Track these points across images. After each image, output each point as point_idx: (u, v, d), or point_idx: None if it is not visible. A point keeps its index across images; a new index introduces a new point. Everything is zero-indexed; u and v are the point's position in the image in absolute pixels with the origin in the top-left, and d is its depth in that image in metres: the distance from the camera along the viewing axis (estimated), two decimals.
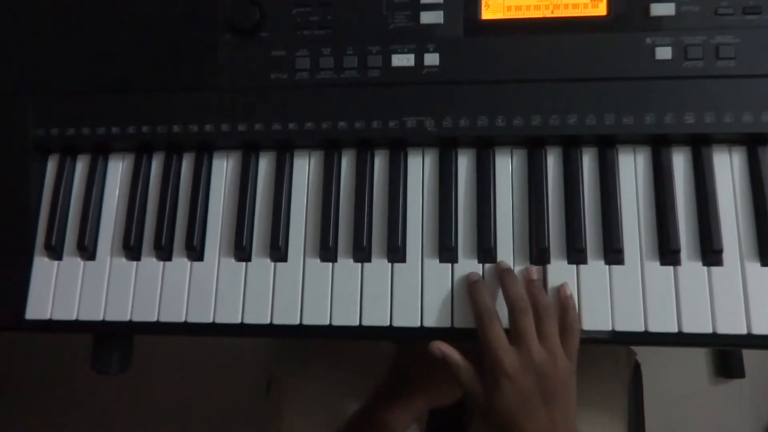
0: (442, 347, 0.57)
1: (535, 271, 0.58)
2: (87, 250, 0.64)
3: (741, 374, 1.29)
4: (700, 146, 0.59)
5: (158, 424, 1.38)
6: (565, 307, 0.56)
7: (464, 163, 0.62)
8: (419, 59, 0.61)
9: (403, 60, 0.61)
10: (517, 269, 0.59)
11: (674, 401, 1.28)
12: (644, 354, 0.83)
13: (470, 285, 0.58)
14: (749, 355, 1.27)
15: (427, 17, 0.62)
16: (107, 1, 0.66)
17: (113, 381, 0.69)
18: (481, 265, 0.59)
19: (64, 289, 0.63)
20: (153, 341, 0.68)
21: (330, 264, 0.61)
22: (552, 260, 0.59)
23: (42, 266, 0.64)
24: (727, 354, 1.29)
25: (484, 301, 0.56)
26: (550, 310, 0.55)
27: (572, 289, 0.58)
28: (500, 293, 0.57)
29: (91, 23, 0.66)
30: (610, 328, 0.57)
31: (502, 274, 0.57)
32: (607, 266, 0.58)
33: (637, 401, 0.82)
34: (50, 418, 1.42)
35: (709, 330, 0.56)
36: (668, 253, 0.57)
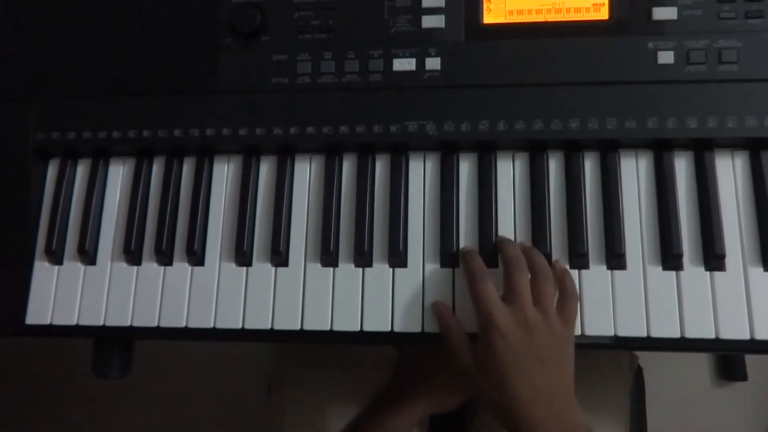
0: (441, 308, 0.57)
1: (529, 245, 0.58)
2: (87, 255, 0.64)
3: (743, 377, 1.29)
4: (702, 151, 0.59)
5: (159, 426, 1.38)
6: (562, 277, 0.56)
7: (466, 168, 0.62)
8: (421, 63, 0.61)
9: (404, 64, 0.61)
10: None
11: (676, 404, 1.28)
12: (646, 357, 0.83)
13: (463, 253, 0.58)
14: (751, 358, 1.27)
15: (429, 21, 0.62)
16: (108, 5, 0.66)
17: (114, 383, 0.69)
18: None
19: (64, 294, 0.63)
20: (154, 343, 0.68)
21: (331, 269, 0.61)
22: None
23: (42, 271, 0.64)
24: (729, 357, 1.29)
25: (476, 261, 0.56)
26: (546, 271, 0.55)
27: None
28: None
29: (92, 27, 0.66)
30: (613, 334, 0.56)
31: (501, 240, 0.58)
32: (609, 271, 0.58)
33: (639, 405, 0.82)
34: (49, 420, 1.42)
35: (712, 335, 0.55)
36: (671, 258, 0.57)
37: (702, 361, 1.31)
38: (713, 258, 0.56)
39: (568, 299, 0.55)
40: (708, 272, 0.57)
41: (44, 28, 0.67)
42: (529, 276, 0.55)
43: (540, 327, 0.53)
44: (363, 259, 0.60)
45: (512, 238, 0.60)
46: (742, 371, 1.28)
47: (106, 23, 0.66)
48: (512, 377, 0.53)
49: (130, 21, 0.66)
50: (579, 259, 0.58)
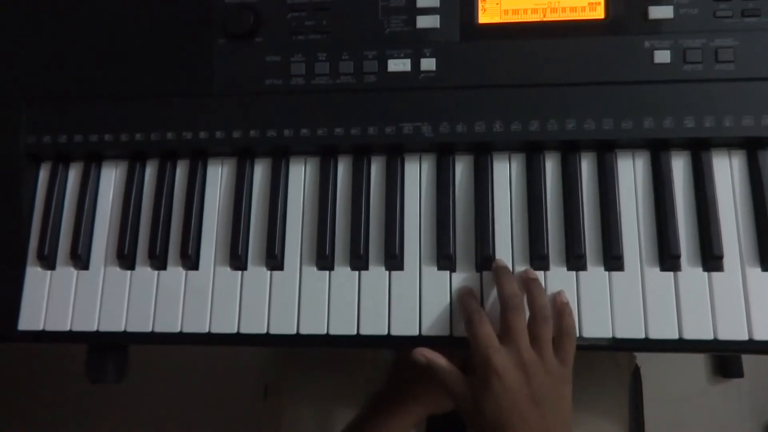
0: (426, 353, 0.56)
1: (533, 271, 0.57)
2: (80, 260, 0.63)
3: (740, 374, 1.29)
4: (699, 150, 0.59)
5: (155, 429, 1.37)
6: (561, 312, 0.56)
7: (462, 169, 0.61)
8: (416, 64, 0.61)
9: (399, 65, 0.61)
10: (516, 274, 0.58)
11: (674, 402, 1.28)
12: (643, 356, 0.83)
13: (459, 291, 0.58)
14: (747, 355, 1.28)
15: (424, 22, 0.61)
16: (100, 8, 0.65)
17: (108, 386, 0.68)
18: (479, 272, 0.59)
19: (57, 300, 0.63)
20: (149, 347, 0.67)
21: (327, 272, 0.60)
22: (551, 267, 0.58)
23: (35, 276, 0.63)
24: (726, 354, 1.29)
25: (471, 303, 0.56)
26: (545, 312, 0.54)
27: (572, 296, 0.57)
28: (495, 300, 0.57)
29: (84, 30, 0.65)
30: (611, 336, 0.56)
31: (498, 271, 0.57)
32: (606, 272, 0.58)
33: (636, 403, 0.82)
34: (46, 424, 1.41)
35: (710, 336, 0.55)
36: (668, 259, 0.56)
37: (698, 359, 1.32)
38: (711, 258, 0.56)
39: (566, 338, 0.55)
40: (706, 273, 0.57)
41: (35, 32, 0.66)
42: (528, 315, 0.55)
43: (537, 369, 0.53)
44: (359, 262, 0.60)
45: (509, 240, 0.59)
46: (738, 368, 1.29)
47: (98, 26, 0.65)
48: (509, 419, 0.52)
49: (122, 23, 0.65)
50: (576, 261, 0.58)
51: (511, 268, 0.58)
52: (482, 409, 0.53)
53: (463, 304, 0.57)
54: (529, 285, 0.56)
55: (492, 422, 0.53)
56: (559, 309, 0.56)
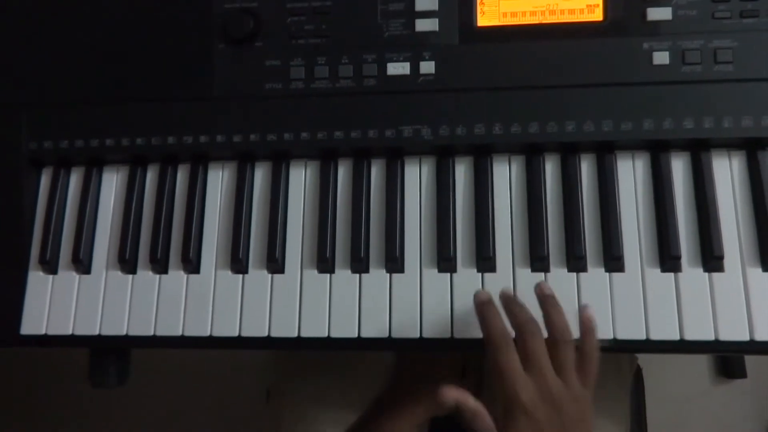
0: (455, 394, 0.53)
1: (548, 287, 0.54)
2: (82, 264, 0.63)
3: (742, 374, 1.29)
4: (699, 151, 0.59)
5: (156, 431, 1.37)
6: (585, 331, 0.53)
7: (462, 172, 0.61)
8: (415, 67, 0.61)
9: (398, 68, 0.61)
10: (517, 277, 0.58)
11: (676, 402, 1.28)
12: (645, 357, 0.83)
13: (479, 306, 0.54)
14: (750, 356, 1.27)
15: (423, 25, 0.61)
16: (100, 12, 0.66)
17: (110, 390, 0.68)
18: (480, 274, 0.59)
19: (59, 304, 0.63)
20: (151, 350, 0.67)
21: (328, 275, 0.60)
22: (552, 268, 0.58)
23: (37, 281, 0.64)
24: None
25: (497, 325, 0.52)
26: (566, 335, 0.52)
27: (572, 298, 0.57)
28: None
29: (85, 35, 0.65)
30: (612, 337, 0.56)
31: (507, 301, 0.54)
32: (607, 274, 0.57)
33: (639, 404, 0.82)
34: (47, 425, 1.41)
35: (711, 337, 0.55)
36: (669, 260, 0.56)
37: (701, 360, 1.31)
38: (711, 259, 0.56)
39: (588, 360, 0.52)
40: (706, 273, 0.56)
41: (36, 36, 0.66)
42: (546, 336, 0.52)
43: (565, 399, 0.51)
44: (360, 265, 0.60)
45: (509, 242, 0.59)
46: (741, 369, 1.29)
47: (99, 31, 0.65)
48: None
49: (123, 29, 0.65)
50: (577, 262, 0.58)
51: (511, 270, 0.58)
52: None
53: (486, 324, 0.53)
54: (546, 304, 0.53)
55: None
56: (585, 326, 0.53)
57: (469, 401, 0.53)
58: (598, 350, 0.53)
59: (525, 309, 0.54)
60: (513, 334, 0.53)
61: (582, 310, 0.54)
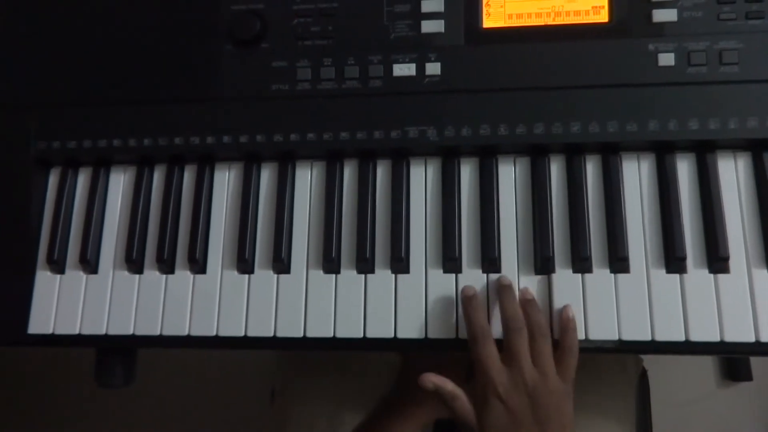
0: (434, 379, 0.57)
1: (531, 291, 0.57)
2: (89, 264, 0.63)
3: (748, 377, 1.28)
4: (704, 152, 0.59)
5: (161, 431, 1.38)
6: (564, 328, 0.56)
7: (467, 173, 0.62)
8: (421, 68, 0.61)
9: (404, 69, 0.61)
10: (522, 278, 0.58)
11: (681, 405, 1.28)
12: (651, 359, 0.82)
13: (464, 301, 0.57)
14: (756, 358, 1.27)
15: (428, 26, 0.62)
16: (108, 14, 0.66)
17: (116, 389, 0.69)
18: (485, 275, 0.59)
19: (66, 303, 0.63)
20: (157, 350, 0.68)
21: (333, 276, 0.60)
22: (557, 269, 0.58)
23: (44, 280, 0.64)
24: (733, 357, 1.28)
25: (478, 319, 0.56)
26: (543, 329, 0.55)
27: (578, 298, 0.57)
28: (496, 308, 0.57)
29: (92, 36, 0.66)
30: (617, 338, 0.56)
31: (502, 291, 0.57)
32: (612, 275, 0.58)
33: (644, 407, 0.81)
34: (50, 425, 1.41)
35: (717, 338, 0.55)
36: (674, 261, 0.56)
37: (707, 362, 1.31)
38: (717, 260, 0.56)
39: (567, 355, 0.55)
40: (712, 275, 0.56)
41: (44, 37, 0.67)
42: (528, 335, 0.55)
43: (540, 390, 0.54)
44: (365, 265, 0.60)
45: (515, 243, 0.59)
46: (747, 371, 1.28)
47: (106, 32, 0.66)
48: None
49: (130, 29, 0.66)
50: (582, 263, 0.58)
51: (516, 271, 0.59)
52: (484, 428, 0.55)
53: (468, 318, 0.56)
54: (525, 306, 0.56)
55: None
56: (563, 324, 0.56)
57: (447, 385, 0.57)
58: (576, 346, 0.55)
59: (514, 303, 0.56)
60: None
61: (563, 310, 0.56)
